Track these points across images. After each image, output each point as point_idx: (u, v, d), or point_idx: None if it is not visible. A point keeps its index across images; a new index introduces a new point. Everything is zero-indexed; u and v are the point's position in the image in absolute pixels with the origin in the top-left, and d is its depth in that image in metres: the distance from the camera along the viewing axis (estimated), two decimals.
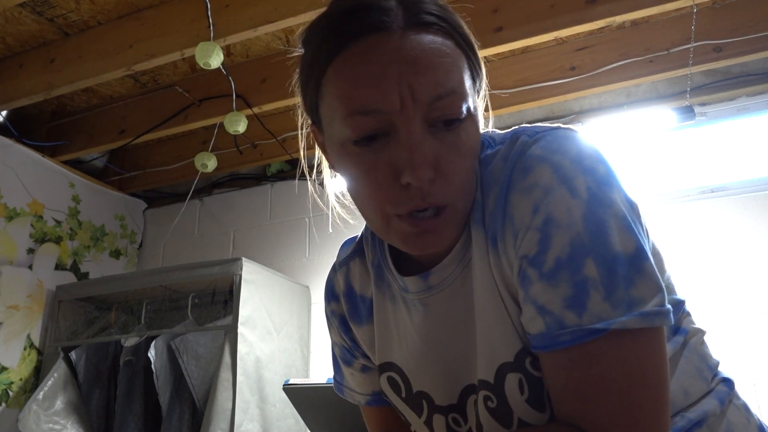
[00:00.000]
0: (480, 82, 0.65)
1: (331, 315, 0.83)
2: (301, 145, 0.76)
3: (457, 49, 0.59)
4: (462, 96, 0.58)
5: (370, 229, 0.77)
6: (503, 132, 0.66)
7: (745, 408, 0.69)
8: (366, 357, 0.81)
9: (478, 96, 0.65)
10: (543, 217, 0.55)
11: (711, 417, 0.64)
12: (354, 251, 0.80)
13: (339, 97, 0.58)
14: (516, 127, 0.65)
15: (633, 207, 0.58)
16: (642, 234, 0.57)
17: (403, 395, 0.74)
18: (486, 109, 0.72)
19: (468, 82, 0.60)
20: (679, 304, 0.68)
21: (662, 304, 0.53)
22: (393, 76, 0.55)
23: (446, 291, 0.67)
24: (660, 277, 0.55)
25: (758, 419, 0.70)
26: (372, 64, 0.56)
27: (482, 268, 0.63)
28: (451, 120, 0.57)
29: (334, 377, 0.87)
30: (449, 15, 0.61)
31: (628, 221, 0.55)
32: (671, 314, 0.54)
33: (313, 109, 0.64)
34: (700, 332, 0.69)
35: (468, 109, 0.59)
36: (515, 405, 0.62)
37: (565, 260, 0.54)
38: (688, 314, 0.69)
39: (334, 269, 0.83)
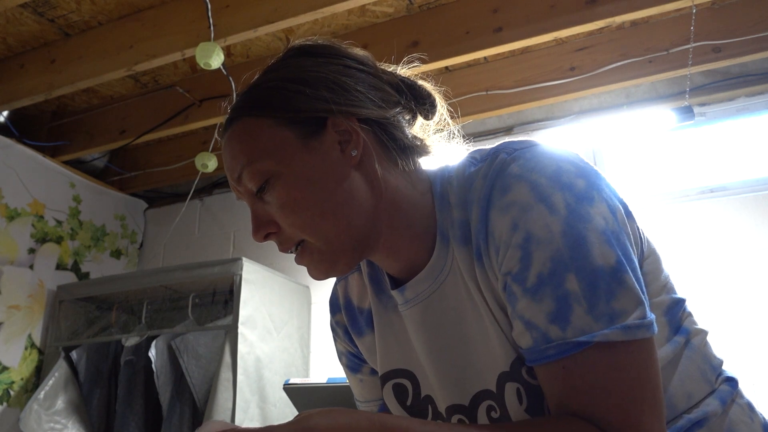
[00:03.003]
0: (325, 112, 0.66)
1: (336, 326, 0.85)
2: None
3: (254, 120, 0.66)
4: (254, 164, 0.65)
5: None
6: (487, 149, 0.67)
7: (749, 407, 0.69)
8: None
9: (327, 129, 0.66)
10: (523, 234, 0.57)
11: (712, 417, 0.64)
12: None
13: None
14: (498, 144, 0.67)
15: (616, 216, 0.59)
16: (625, 244, 0.58)
17: (409, 402, 0.75)
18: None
19: (276, 145, 0.65)
20: (678, 303, 0.68)
21: (643, 317, 0.55)
22: (225, 165, 0.70)
23: (422, 305, 0.69)
24: (641, 289, 0.56)
25: (763, 418, 0.69)
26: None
27: (470, 283, 0.65)
28: (257, 191, 0.66)
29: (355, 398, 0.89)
30: (251, 94, 0.68)
31: (608, 234, 0.56)
32: (654, 325, 0.55)
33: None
34: (703, 332, 0.70)
35: (273, 170, 0.65)
36: (515, 415, 0.63)
37: (547, 276, 0.55)
38: (690, 314, 0.69)
39: (337, 282, 0.86)
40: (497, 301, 0.62)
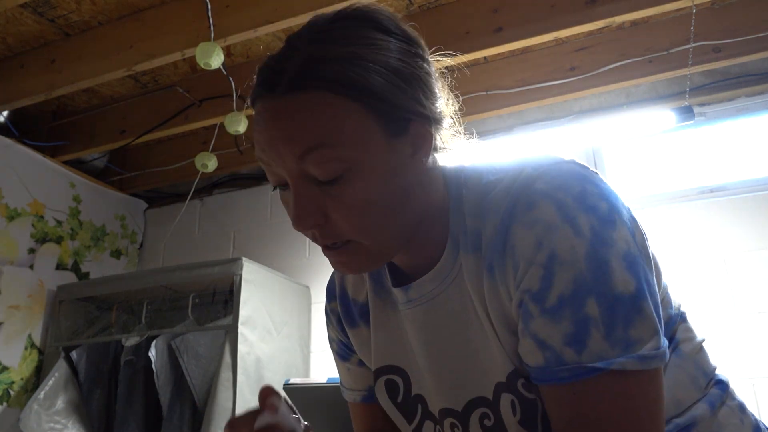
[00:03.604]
0: (407, 113, 0.62)
1: (330, 312, 0.86)
2: None
3: (339, 99, 0.58)
4: (332, 147, 0.57)
5: None
6: (506, 163, 0.66)
7: (740, 408, 0.69)
8: None
9: (409, 131, 0.62)
10: (547, 253, 0.56)
11: (701, 421, 0.64)
12: None
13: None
14: (520, 159, 0.65)
15: (635, 239, 0.58)
16: (644, 268, 0.57)
17: (399, 399, 0.75)
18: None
19: (357, 131, 0.58)
20: (673, 318, 0.68)
21: (658, 347, 0.54)
22: (269, 142, 0.60)
23: (424, 306, 0.69)
24: (658, 319, 0.56)
25: (754, 418, 0.70)
26: (260, 130, 0.61)
27: (474, 292, 0.64)
28: (328, 180, 0.59)
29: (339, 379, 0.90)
30: (334, 67, 0.58)
31: (629, 260, 0.56)
32: (666, 354, 0.55)
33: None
34: (696, 340, 0.69)
35: (349, 158, 0.58)
36: (509, 425, 0.63)
37: (568, 298, 0.55)
38: (684, 321, 0.69)
39: (334, 271, 0.86)
40: (502, 314, 0.61)
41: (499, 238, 0.60)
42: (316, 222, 0.61)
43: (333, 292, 0.85)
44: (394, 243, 0.65)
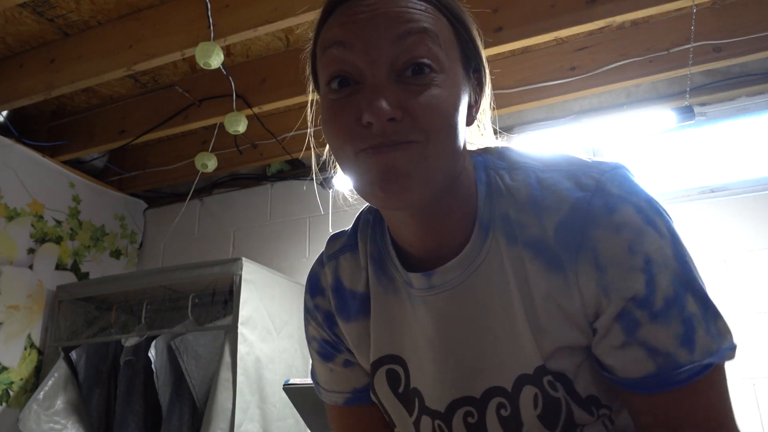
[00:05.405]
0: (474, 63, 0.66)
1: (314, 309, 0.78)
2: (311, 143, 0.78)
3: (440, 14, 0.61)
4: (433, 38, 0.58)
5: (368, 224, 0.75)
6: (550, 157, 0.65)
7: None
8: (350, 352, 0.78)
9: (472, 79, 0.65)
10: (642, 258, 0.57)
11: None
12: (345, 245, 0.77)
13: (321, 44, 0.61)
14: (566, 156, 0.64)
15: None
16: None
17: (401, 390, 0.72)
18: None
19: (449, 46, 0.60)
20: None
21: (733, 336, 0.58)
22: (368, 21, 0.57)
23: (448, 293, 0.66)
24: None
25: None
26: (358, 10, 0.58)
27: (516, 283, 0.62)
28: (419, 65, 0.56)
29: (313, 379, 0.84)
30: None
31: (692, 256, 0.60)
32: None
33: (315, 75, 0.67)
34: None
35: (442, 60, 0.58)
36: (526, 418, 0.62)
37: (672, 299, 0.56)
38: None
39: (320, 263, 0.79)
40: (561, 311, 0.60)
41: (571, 238, 0.59)
42: (395, 115, 0.55)
43: (318, 286, 0.78)
44: (444, 171, 0.59)
